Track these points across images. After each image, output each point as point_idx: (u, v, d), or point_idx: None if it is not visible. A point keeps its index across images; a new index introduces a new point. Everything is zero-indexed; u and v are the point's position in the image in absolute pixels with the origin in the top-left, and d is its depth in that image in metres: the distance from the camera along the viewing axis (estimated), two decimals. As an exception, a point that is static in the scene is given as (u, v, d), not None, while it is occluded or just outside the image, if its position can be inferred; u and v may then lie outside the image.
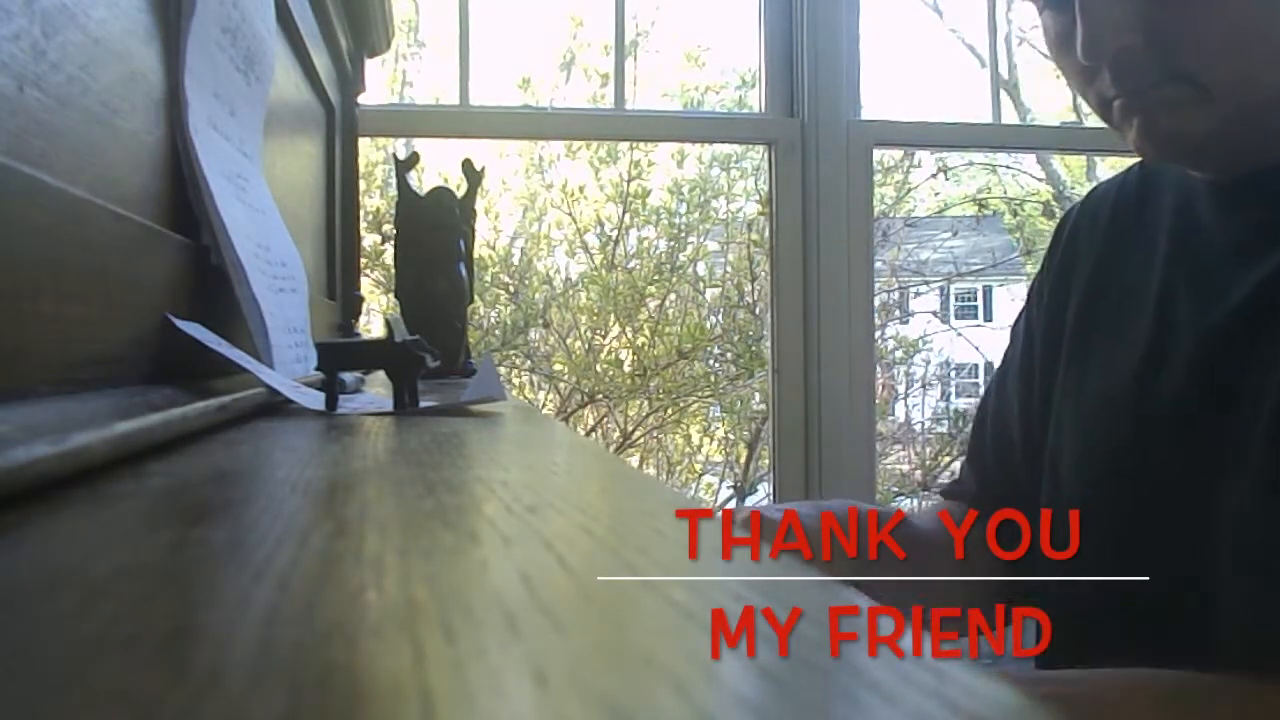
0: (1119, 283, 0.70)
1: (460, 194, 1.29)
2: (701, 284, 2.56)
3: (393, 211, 1.39)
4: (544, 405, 2.47)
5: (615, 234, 2.50)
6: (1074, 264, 0.74)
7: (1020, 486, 0.75)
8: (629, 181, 2.46)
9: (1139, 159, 0.71)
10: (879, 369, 2.63)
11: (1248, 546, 0.55)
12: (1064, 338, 0.73)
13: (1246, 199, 0.61)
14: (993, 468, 0.79)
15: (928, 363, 3.06)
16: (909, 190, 2.75)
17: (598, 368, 2.44)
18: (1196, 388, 0.60)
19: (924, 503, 2.68)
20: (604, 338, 2.47)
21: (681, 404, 2.48)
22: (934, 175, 2.74)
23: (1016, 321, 0.81)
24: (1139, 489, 0.63)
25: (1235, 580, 0.56)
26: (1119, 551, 0.63)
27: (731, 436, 2.58)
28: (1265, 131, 0.59)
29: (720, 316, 2.50)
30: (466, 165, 1.33)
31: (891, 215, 2.69)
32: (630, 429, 2.48)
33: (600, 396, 2.44)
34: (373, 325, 2.02)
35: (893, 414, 3.02)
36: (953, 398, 3.34)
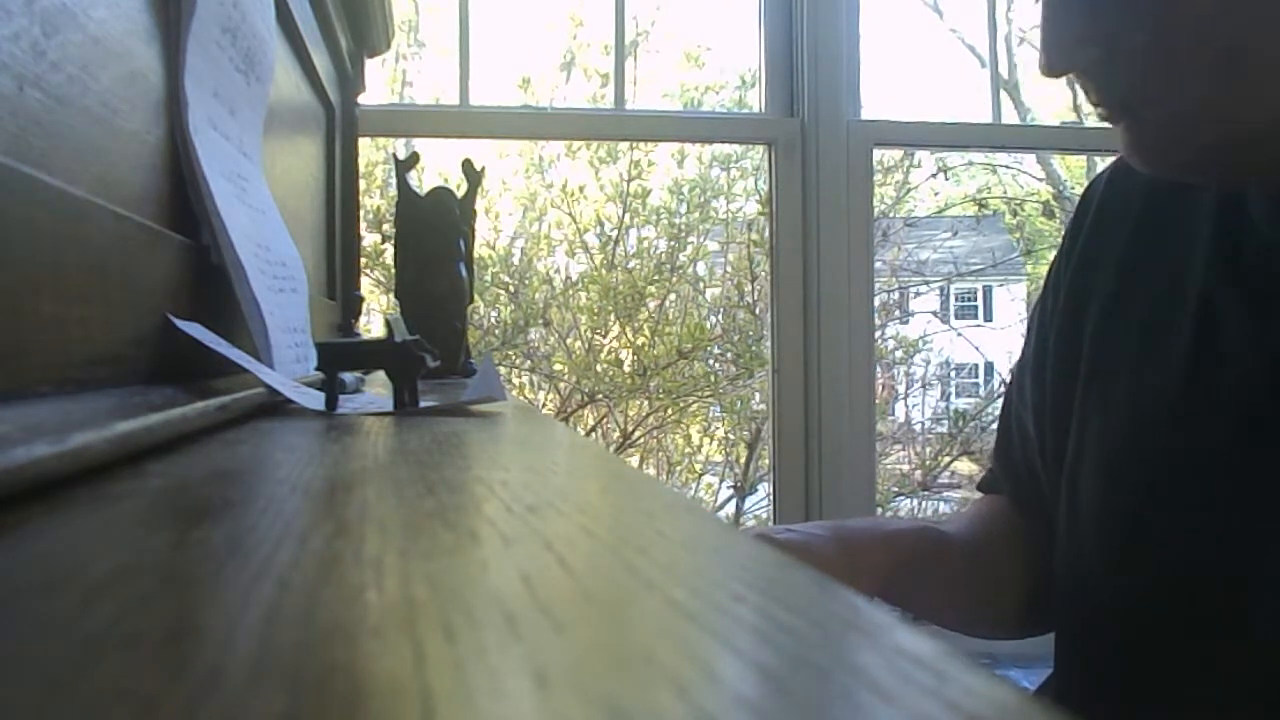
0: (1148, 288, 0.62)
1: (460, 194, 1.29)
2: (701, 284, 2.56)
3: (393, 211, 1.39)
4: (544, 405, 2.47)
5: (615, 234, 2.50)
6: (1099, 253, 0.66)
7: (1045, 485, 0.69)
8: (629, 181, 2.46)
9: None
10: (879, 369, 2.63)
11: None
12: (1083, 346, 0.65)
13: None
14: (1020, 464, 0.73)
15: (928, 363, 3.06)
16: (909, 190, 2.75)
17: (598, 368, 2.44)
18: (1249, 427, 0.54)
19: (923, 503, 2.68)
20: (604, 338, 2.47)
21: (681, 404, 2.48)
22: (934, 175, 2.74)
23: (1033, 312, 0.74)
24: (1171, 536, 0.57)
25: (1269, 623, 0.51)
26: (1141, 581, 0.58)
27: (731, 436, 2.58)
28: None
29: (720, 316, 2.50)
30: (466, 165, 1.33)
31: (891, 215, 2.69)
32: (630, 429, 2.48)
33: (600, 396, 2.44)
34: (373, 325, 2.02)
35: (893, 414, 3.03)
36: (953, 398, 3.34)
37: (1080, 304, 0.66)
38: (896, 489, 2.66)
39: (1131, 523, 0.59)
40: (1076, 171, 3.37)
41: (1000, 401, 0.80)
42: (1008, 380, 0.78)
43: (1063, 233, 0.72)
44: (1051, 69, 0.54)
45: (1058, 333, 0.68)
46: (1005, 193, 3.09)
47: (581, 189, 2.51)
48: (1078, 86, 0.58)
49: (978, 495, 0.81)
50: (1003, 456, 0.76)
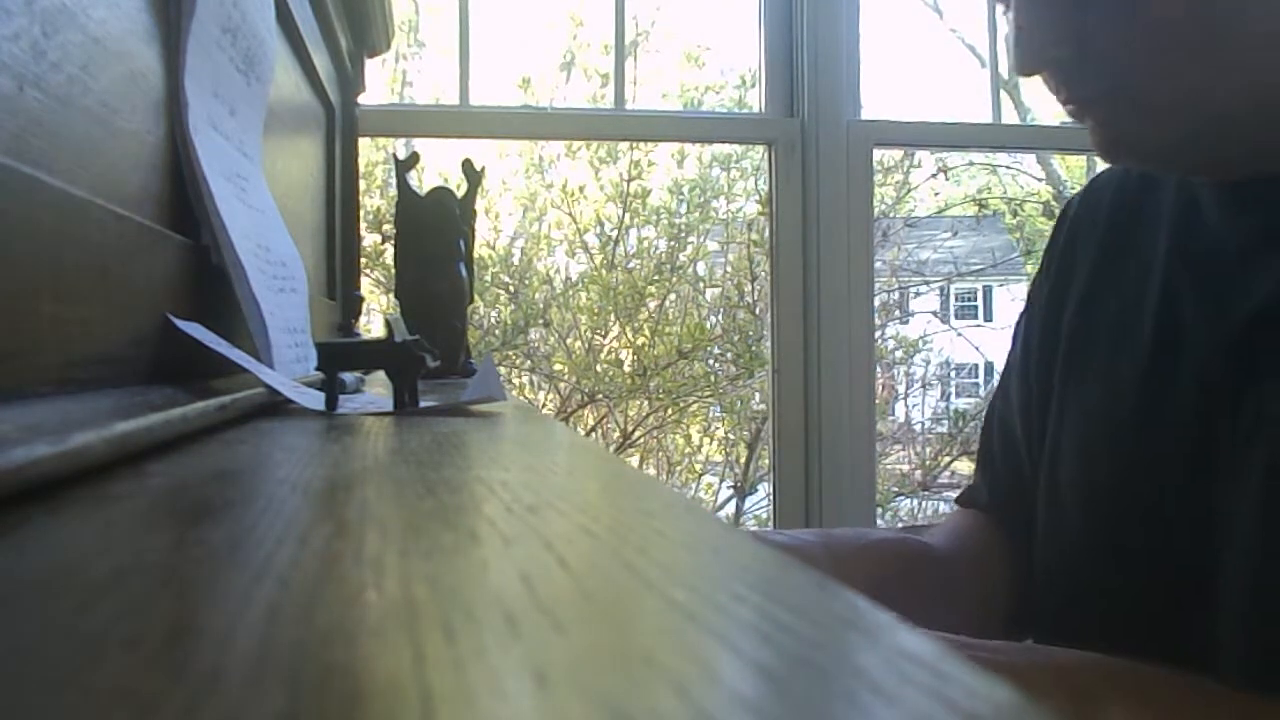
0: (1118, 285, 0.67)
1: (460, 194, 1.29)
2: (701, 284, 2.56)
3: (393, 211, 1.39)
4: (544, 405, 2.47)
5: (615, 234, 2.50)
6: (1074, 261, 0.71)
7: (1030, 491, 0.72)
8: (629, 181, 2.46)
9: None
10: (879, 369, 2.63)
11: (1246, 563, 0.54)
12: (1060, 342, 0.70)
13: (1253, 203, 0.58)
14: (1002, 473, 0.76)
15: (928, 363, 3.06)
16: (909, 190, 2.75)
17: (598, 368, 2.44)
18: (1205, 401, 0.57)
19: (923, 503, 2.68)
20: (604, 338, 2.47)
21: (681, 404, 2.48)
22: (934, 175, 2.74)
23: (1018, 321, 0.78)
24: (1143, 505, 0.60)
25: (1236, 598, 0.54)
26: (1121, 566, 0.61)
27: (731, 436, 2.58)
28: (1241, 141, 0.55)
29: (720, 316, 2.50)
30: (466, 165, 1.33)
31: (891, 215, 2.69)
32: (630, 429, 2.48)
33: (600, 396, 2.44)
34: (373, 325, 2.02)
35: (893, 414, 3.02)
36: (953, 398, 3.34)
37: (1059, 304, 0.71)
38: (896, 489, 2.66)
39: (1108, 502, 0.63)
40: (1076, 171, 3.37)
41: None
42: (993, 391, 0.82)
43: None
44: (1025, 67, 0.57)
45: (1040, 333, 0.73)
46: (1005, 193, 3.09)
47: (581, 189, 2.51)
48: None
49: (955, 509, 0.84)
50: (985, 465, 0.79)
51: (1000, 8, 0.60)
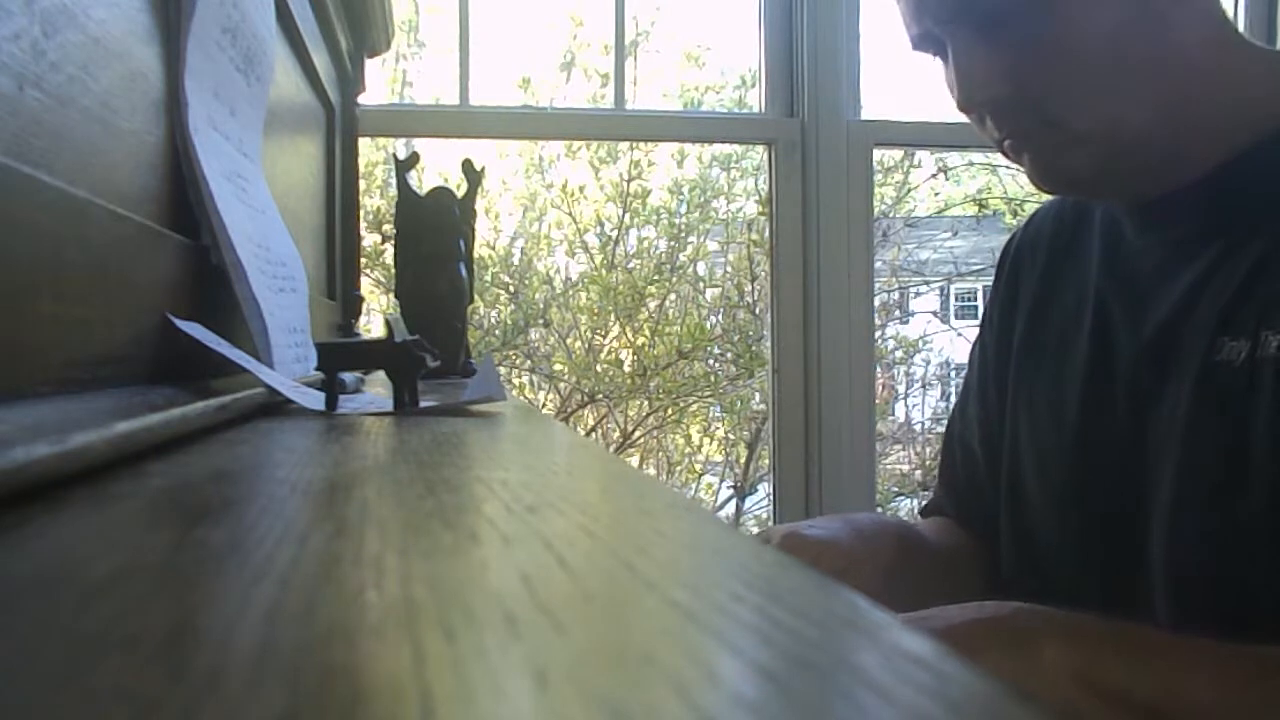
0: (1060, 301, 0.74)
1: (460, 194, 1.29)
2: (701, 284, 2.56)
3: (393, 211, 1.39)
4: (544, 405, 2.47)
5: (615, 234, 2.50)
6: (1019, 286, 0.79)
7: (989, 505, 0.79)
8: (629, 181, 2.46)
9: None
10: (879, 369, 2.63)
11: (1162, 555, 0.60)
12: (1012, 357, 0.77)
13: (1159, 221, 0.66)
14: (963, 488, 0.83)
15: (928, 363, 3.05)
16: (909, 190, 2.75)
17: (598, 368, 2.44)
18: (1133, 403, 0.65)
19: (923, 503, 2.68)
20: (604, 338, 2.47)
21: (681, 404, 2.47)
22: (934, 175, 2.73)
23: (973, 347, 0.85)
24: (1090, 497, 0.67)
25: (1159, 579, 0.60)
26: (1076, 558, 0.68)
27: (731, 436, 2.58)
28: (1153, 162, 0.63)
29: (720, 316, 2.50)
30: (466, 165, 1.33)
31: (891, 215, 2.68)
32: (630, 429, 2.48)
33: (600, 396, 2.44)
34: (373, 325, 2.02)
35: (893, 414, 3.02)
36: (952, 398, 3.33)
37: (1009, 326, 0.79)
38: (896, 489, 2.66)
39: (1062, 501, 0.69)
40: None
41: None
42: (950, 413, 0.90)
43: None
44: (968, 104, 0.64)
45: (995, 350, 0.80)
46: (1005, 193, 3.09)
47: (581, 189, 2.51)
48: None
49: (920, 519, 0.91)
50: (947, 480, 0.86)
51: (929, 56, 0.67)
